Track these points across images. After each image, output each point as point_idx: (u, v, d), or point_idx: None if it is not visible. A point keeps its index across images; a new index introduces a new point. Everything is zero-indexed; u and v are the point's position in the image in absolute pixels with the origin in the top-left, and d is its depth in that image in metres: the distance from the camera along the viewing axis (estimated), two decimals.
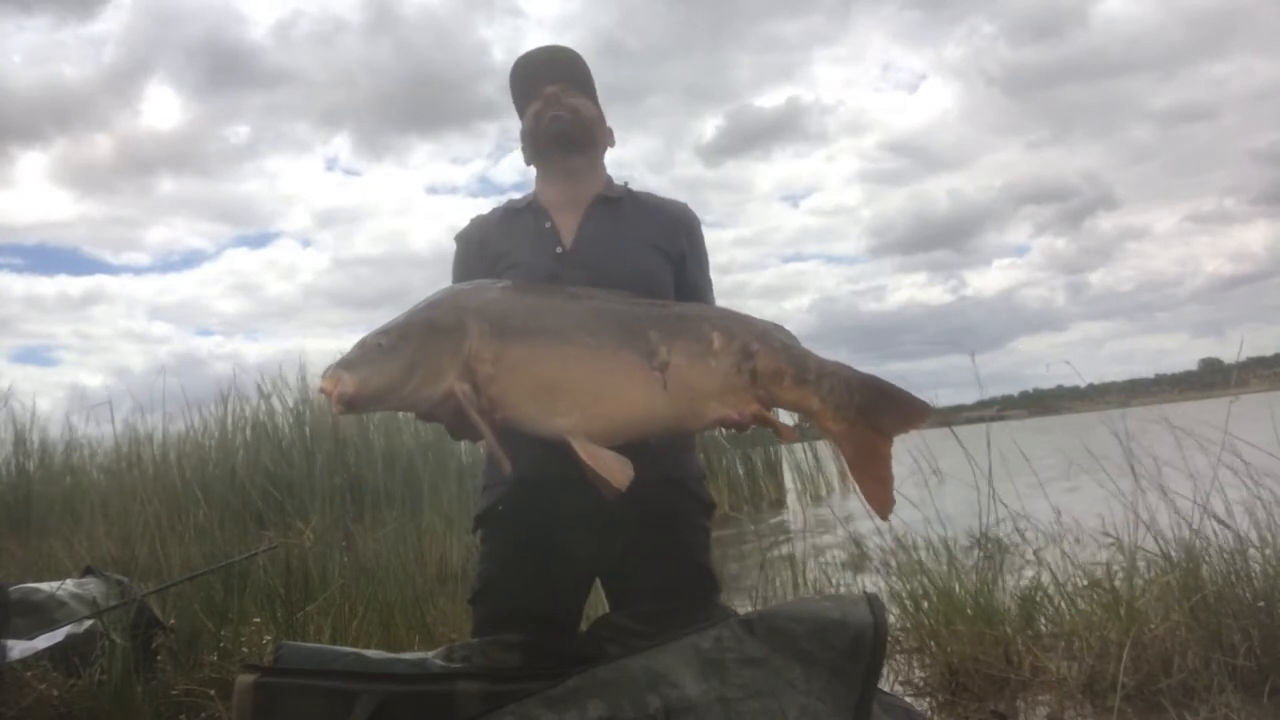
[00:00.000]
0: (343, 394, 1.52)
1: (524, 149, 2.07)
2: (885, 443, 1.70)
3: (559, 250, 1.91)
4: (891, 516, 1.80)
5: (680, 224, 2.03)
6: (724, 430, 1.75)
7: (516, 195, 2.11)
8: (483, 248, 1.98)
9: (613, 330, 1.63)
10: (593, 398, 1.60)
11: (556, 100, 1.98)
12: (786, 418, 2.00)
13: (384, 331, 1.59)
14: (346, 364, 1.56)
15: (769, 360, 1.66)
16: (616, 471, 1.53)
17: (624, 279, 1.80)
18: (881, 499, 1.70)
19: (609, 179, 2.07)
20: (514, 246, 1.94)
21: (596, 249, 1.91)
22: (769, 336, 1.70)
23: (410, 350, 1.56)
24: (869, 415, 1.69)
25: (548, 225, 1.95)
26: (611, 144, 2.11)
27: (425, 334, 1.58)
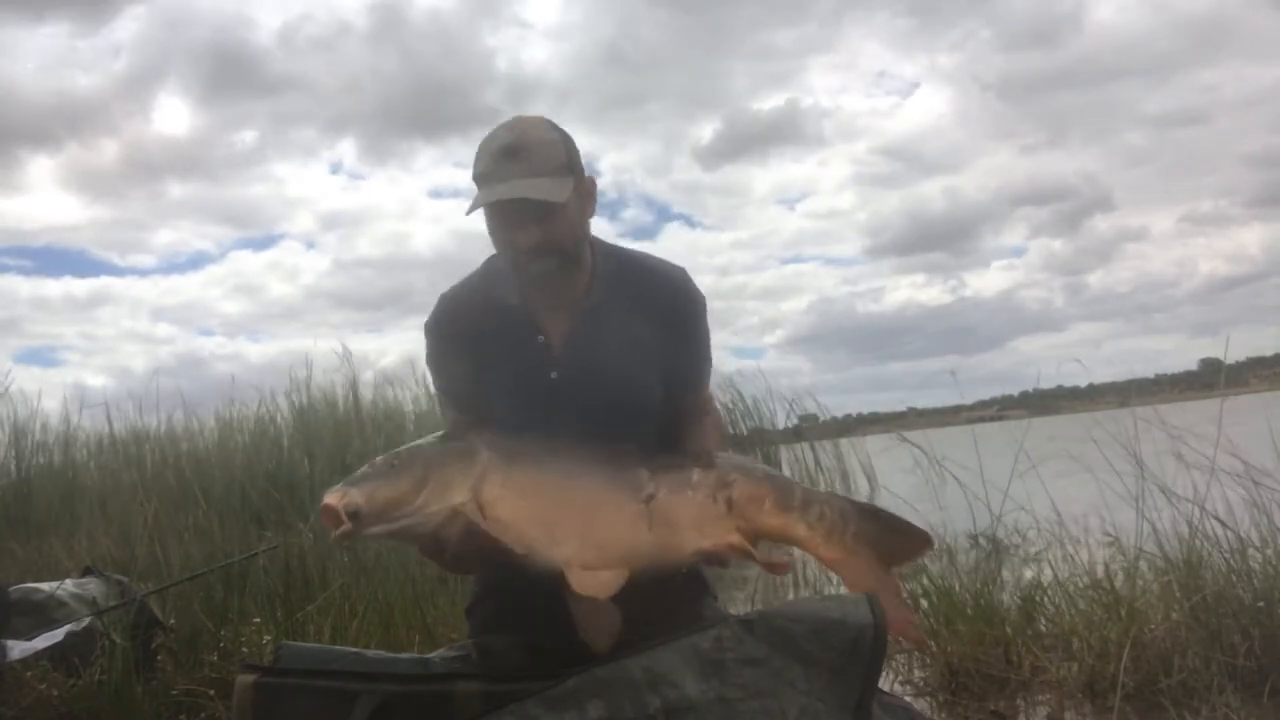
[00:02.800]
0: (349, 504, 1.50)
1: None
2: (888, 573, 1.67)
3: (554, 375, 1.82)
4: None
5: (671, 311, 1.90)
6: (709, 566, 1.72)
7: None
8: (474, 345, 1.86)
9: (607, 464, 1.66)
10: (587, 525, 1.61)
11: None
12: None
13: (395, 454, 1.61)
14: (354, 480, 1.56)
15: (747, 487, 1.65)
16: (604, 622, 1.56)
17: (615, 396, 1.79)
18: (902, 625, 1.67)
19: (593, 266, 1.88)
20: (503, 360, 1.85)
21: (588, 369, 1.82)
22: (749, 468, 1.71)
23: (421, 466, 1.57)
24: (869, 545, 1.66)
25: (540, 340, 1.84)
26: (593, 205, 1.88)
27: (437, 452, 1.61)
